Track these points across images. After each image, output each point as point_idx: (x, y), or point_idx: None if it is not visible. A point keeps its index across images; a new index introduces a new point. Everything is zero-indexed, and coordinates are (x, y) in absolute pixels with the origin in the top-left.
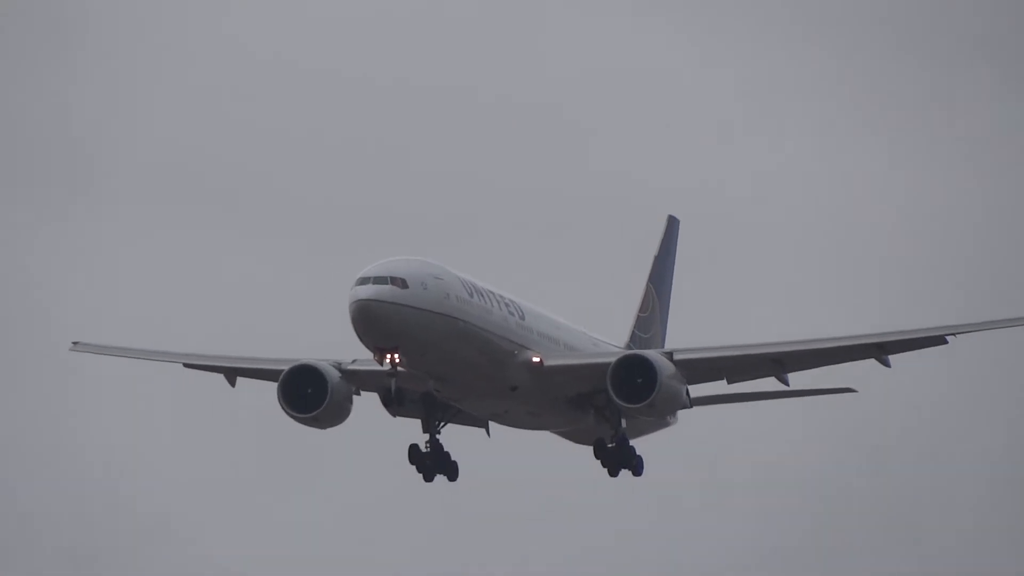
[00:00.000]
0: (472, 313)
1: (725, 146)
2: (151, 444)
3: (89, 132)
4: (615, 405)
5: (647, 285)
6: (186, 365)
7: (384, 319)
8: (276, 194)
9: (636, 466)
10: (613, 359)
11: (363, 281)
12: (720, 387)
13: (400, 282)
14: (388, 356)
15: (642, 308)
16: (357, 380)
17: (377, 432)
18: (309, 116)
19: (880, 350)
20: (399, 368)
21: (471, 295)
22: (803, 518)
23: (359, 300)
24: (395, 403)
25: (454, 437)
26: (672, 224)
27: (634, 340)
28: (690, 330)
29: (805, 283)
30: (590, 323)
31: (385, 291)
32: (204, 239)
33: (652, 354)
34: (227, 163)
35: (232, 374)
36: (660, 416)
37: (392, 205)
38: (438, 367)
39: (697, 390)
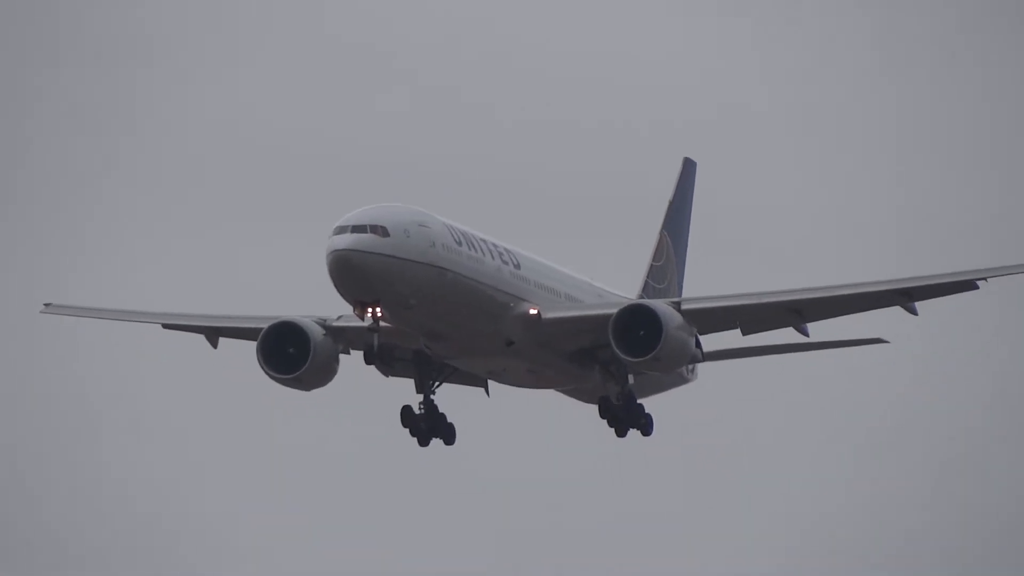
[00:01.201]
0: (461, 263)
1: (743, 86)
2: (129, 410)
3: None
4: (620, 360)
5: (661, 232)
6: (165, 326)
7: (363, 270)
8: (256, 146)
9: (645, 426)
10: (615, 310)
11: (340, 230)
12: (739, 339)
13: (380, 230)
14: (369, 310)
15: (656, 257)
16: (344, 338)
17: (369, 394)
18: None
19: (906, 296)
20: (381, 323)
21: (459, 243)
22: (828, 489)
23: (336, 251)
24: (378, 360)
25: (451, 398)
26: (688, 167)
27: (647, 291)
28: (709, 278)
29: (827, 230)
30: (601, 273)
31: (364, 240)
32: (186, 196)
33: (657, 303)
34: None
35: (213, 334)
36: (667, 370)
37: (392, 157)
38: (425, 322)
39: (714, 342)
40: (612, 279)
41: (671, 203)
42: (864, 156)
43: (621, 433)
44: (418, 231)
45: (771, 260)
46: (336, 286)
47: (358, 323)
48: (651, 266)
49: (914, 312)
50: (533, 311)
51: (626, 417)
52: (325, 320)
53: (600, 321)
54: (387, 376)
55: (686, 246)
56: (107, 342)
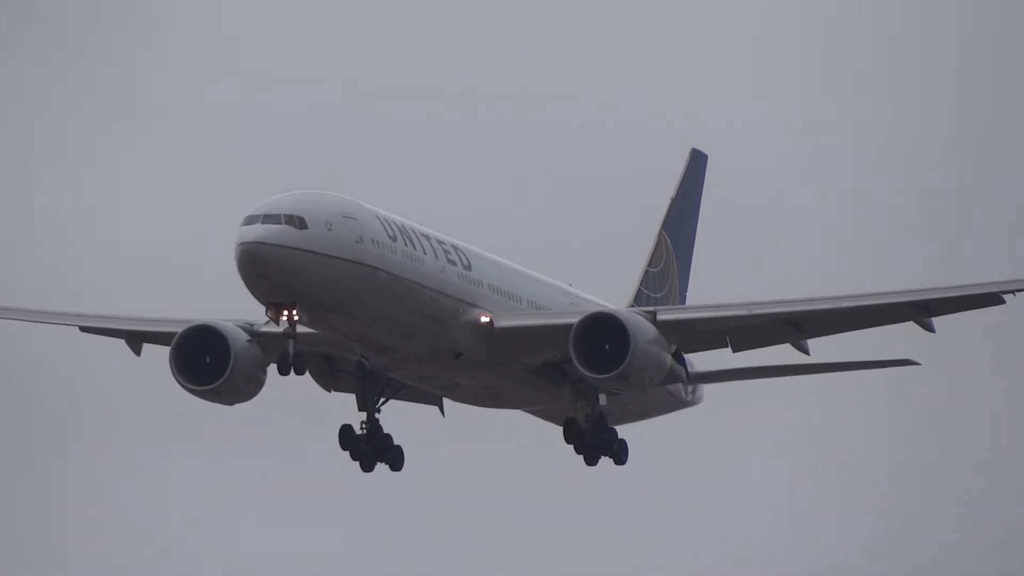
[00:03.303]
0: (394, 261)
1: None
2: (33, 422)
3: None
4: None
5: (660, 233)
6: (83, 329)
7: (274, 267)
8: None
9: (618, 453)
10: (576, 319)
11: (250, 220)
12: (756, 357)
13: (297, 220)
14: (284, 313)
15: (652, 261)
16: (276, 345)
17: (306, 410)
18: None
19: (922, 311)
20: (296, 329)
21: (394, 238)
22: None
23: (243, 243)
24: (291, 371)
25: (400, 417)
26: (697, 160)
27: (640, 299)
28: (719, 288)
29: (847, 234)
30: (588, 279)
31: (276, 232)
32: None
33: (625, 312)
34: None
35: (136, 339)
36: (637, 390)
37: (368, 146)
38: (353, 328)
39: (716, 360)
40: (600, 286)
41: (673, 200)
42: (892, 156)
43: (591, 461)
44: (342, 223)
45: (793, 267)
46: (246, 284)
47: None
48: (646, 272)
49: (931, 329)
50: (484, 319)
51: (595, 443)
52: (252, 325)
53: (560, 332)
54: (329, 391)
55: (691, 250)
56: (15, 347)
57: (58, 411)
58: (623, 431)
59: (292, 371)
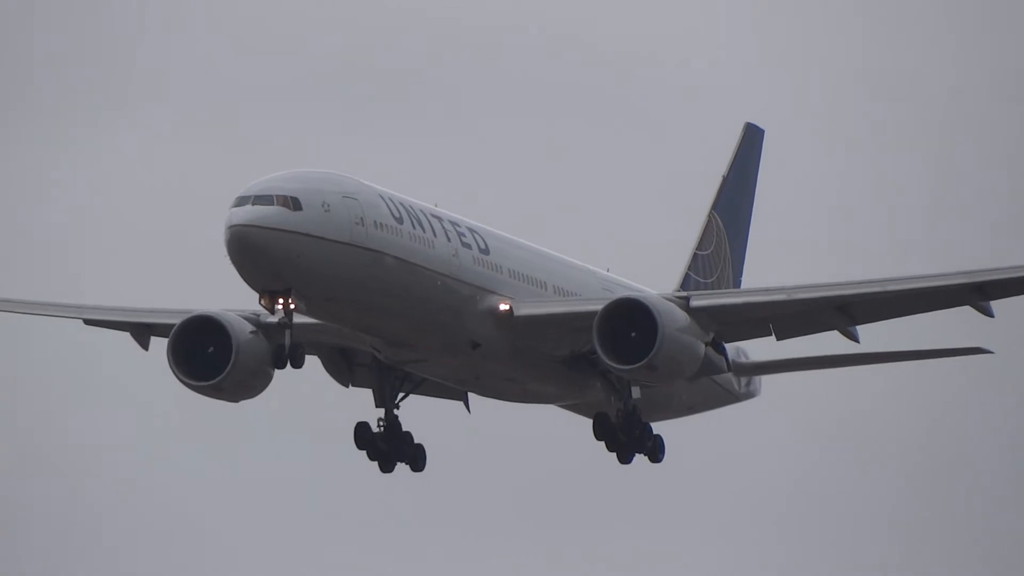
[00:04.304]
0: (401, 244)
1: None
2: (32, 423)
3: None
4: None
5: (710, 214)
6: (87, 322)
7: (265, 252)
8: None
9: (653, 450)
10: (600, 306)
11: (241, 201)
12: (813, 345)
13: (290, 201)
14: (278, 302)
15: (701, 244)
16: (283, 336)
17: (322, 407)
18: None
19: (979, 293)
20: (293, 319)
21: (401, 220)
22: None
23: (232, 226)
24: (288, 364)
25: (422, 414)
26: (751, 135)
27: (688, 285)
28: (774, 270)
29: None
30: (634, 265)
31: (268, 214)
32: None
33: (653, 298)
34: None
35: (142, 332)
36: (667, 382)
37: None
38: (358, 318)
39: (775, 349)
40: (644, 271)
41: (725, 179)
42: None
43: (624, 458)
44: (341, 204)
45: (858, 248)
46: (237, 270)
47: (305, 317)
48: (695, 255)
49: (988, 313)
50: (503, 306)
51: (627, 439)
52: (259, 315)
53: (585, 319)
54: (347, 386)
55: (747, 232)
56: (17, 342)
57: (61, 408)
58: (667, 426)
59: (289, 364)
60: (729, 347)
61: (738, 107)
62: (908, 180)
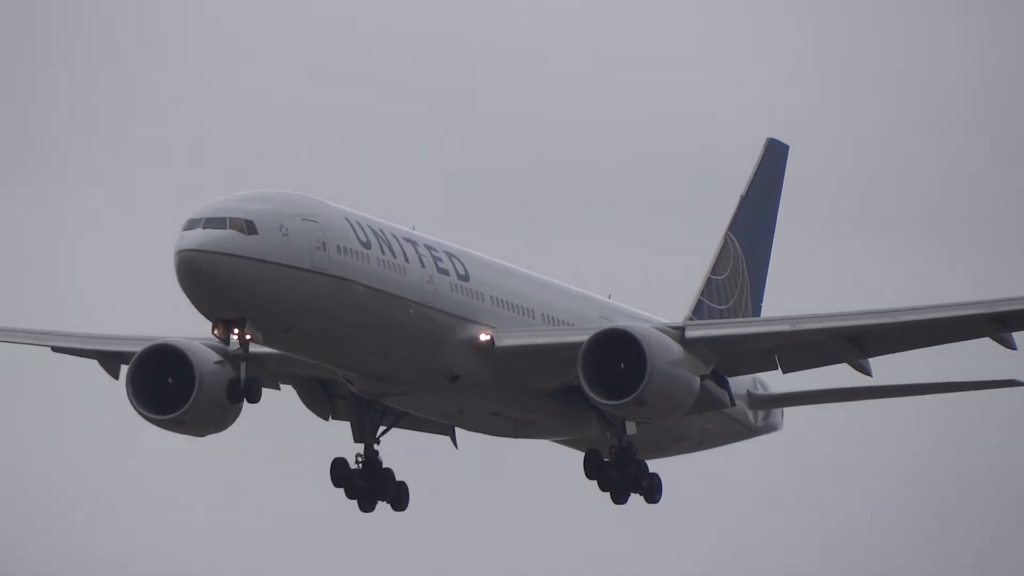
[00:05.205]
0: (368, 270)
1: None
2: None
3: None
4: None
5: (725, 236)
6: (55, 349)
7: (217, 278)
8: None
9: (650, 490)
10: (586, 336)
11: (192, 224)
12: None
13: (245, 225)
14: (233, 331)
15: (716, 268)
16: (256, 367)
17: (299, 442)
18: None
19: (998, 324)
20: (249, 350)
21: (368, 244)
22: None
23: (181, 251)
24: (244, 398)
25: (405, 449)
26: (775, 152)
27: (701, 312)
28: (799, 296)
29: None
30: (643, 292)
31: (220, 238)
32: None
33: (643, 329)
34: None
35: (112, 361)
36: (658, 419)
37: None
38: (321, 349)
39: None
40: (654, 298)
41: (743, 198)
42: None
43: (618, 499)
44: (300, 227)
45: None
46: (188, 298)
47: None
48: (709, 279)
49: (1011, 345)
50: (484, 336)
51: (621, 479)
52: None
53: (571, 351)
54: (327, 419)
55: (768, 255)
56: None
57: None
58: (675, 462)
59: (245, 399)
60: (745, 378)
61: (756, 123)
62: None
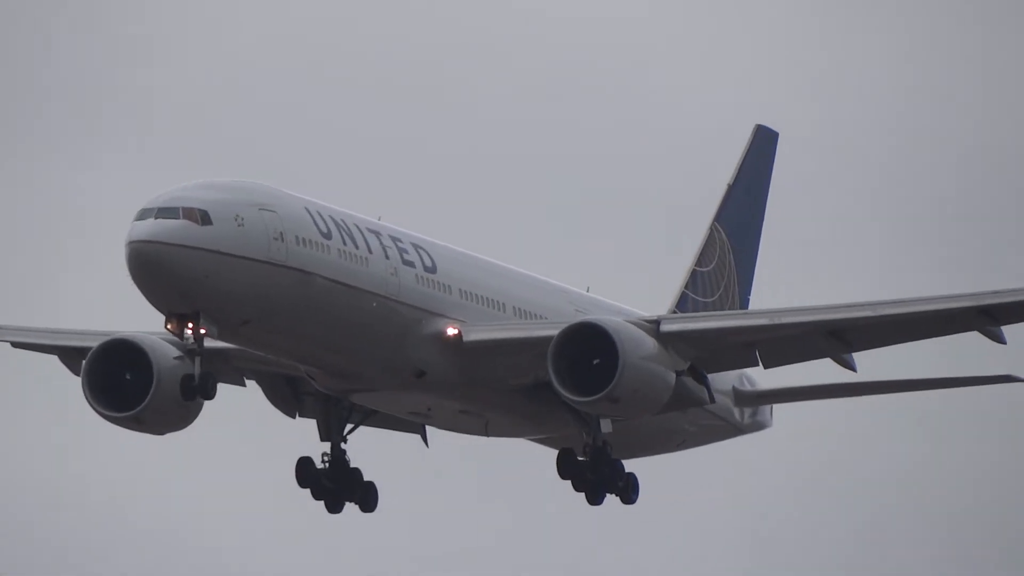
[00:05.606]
0: (328, 262)
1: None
2: None
3: None
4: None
5: (711, 227)
6: (15, 344)
7: (169, 271)
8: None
9: (625, 490)
10: (556, 331)
11: (144, 214)
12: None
13: (199, 215)
14: (186, 326)
15: (701, 260)
16: (219, 363)
17: (264, 440)
18: None
19: (987, 317)
20: (204, 344)
21: (328, 235)
22: None
23: (132, 242)
24: (198, 395)
25: (373, 446)
26: (763, 139)
27: (685, 305)
28: (791, 288)
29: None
30: (624, 285)
31: (173, 228)
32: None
33: (616, 323)
34: None
35: (73, 356)
36: (631, 416)
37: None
38: (279, 344)
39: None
40: (636, 291)
41: (730, 187)
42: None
43: (593, 500)
44: (257, 217)
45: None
46: (140, 291)
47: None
48: (694, 272)
49: (1000, 339)
50: (451, 330)
51: (595, 478)
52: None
53: (541, 345)
54: (294, 416)
55: (756, 246)
56: None
57: None
58: (653, 462)
59: (199, 396)
60: (731, 374)
61: (743, 110)
62: (939, 187)
